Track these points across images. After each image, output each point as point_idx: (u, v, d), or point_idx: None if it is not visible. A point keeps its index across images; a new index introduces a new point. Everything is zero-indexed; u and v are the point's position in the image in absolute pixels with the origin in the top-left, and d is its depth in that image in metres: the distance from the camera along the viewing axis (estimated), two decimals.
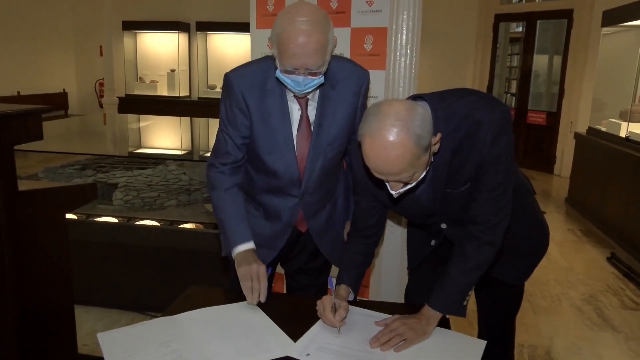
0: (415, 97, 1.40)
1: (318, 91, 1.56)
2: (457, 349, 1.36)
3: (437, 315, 1.43)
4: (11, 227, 1.49)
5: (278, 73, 1.45)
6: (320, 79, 1.46)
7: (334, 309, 1.43)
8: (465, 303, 1.46)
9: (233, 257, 1.62)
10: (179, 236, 2.98)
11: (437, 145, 1.31)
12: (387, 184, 1.31)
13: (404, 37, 2.04)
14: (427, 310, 1.44)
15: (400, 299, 2.18)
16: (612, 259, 4.12)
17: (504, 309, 1.79)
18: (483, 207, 1.40)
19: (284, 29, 1.38)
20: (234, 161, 1.63)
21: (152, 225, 3.03)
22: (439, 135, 1.29)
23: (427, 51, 7.20)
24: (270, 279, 1.89)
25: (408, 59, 2.05)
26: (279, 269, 2.00)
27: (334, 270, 1.71)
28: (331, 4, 2.34)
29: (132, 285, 3.02)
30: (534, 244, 1.69)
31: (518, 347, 2.80)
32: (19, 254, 1.54)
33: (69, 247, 1.78)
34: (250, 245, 1.62)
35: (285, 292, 2.09)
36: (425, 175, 1.32)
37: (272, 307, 1.54)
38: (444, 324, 1.47)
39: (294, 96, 1.54)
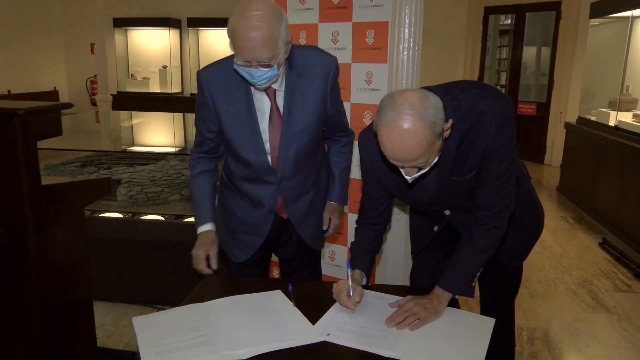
0: (426, 89, 1.46)
1: (284, 81, 1.63)
2: (468, 327, 1.44)
3: (448, 296, 1.51)
4: (36, 221, 1.53)
5: (235, 66, 1.52)
6: (273, 72, 1.52)
7: (349, 293, 1.50)
8: (473, 284, 1.54)
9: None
10: (183, 230, 3.02)
11: (449, 132, 1.38)
12: (402, 170, 1.37)
13: (407, 31, 2.10)
14: (437, 290, 1.52)
15: (405, 282, 2.26)
16: (604, 244, 4.24)
17: (505, 290, 1.88)
18: (490, 193, 1.48)
19: (235, 24, 1.45)
20: (207, 151, 1.79)
21: (157, 220, 3.08)
22: (450, 122, 1.36)
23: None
24: (265, 267, 2.02)
25: (411, 52, 2.12)
26: (274, 257, 2.09)
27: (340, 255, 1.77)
28: None
29: (139, 279, 3.07)
30: (531, 226, 1.78)
31: (517, 329, 2.89)
32: (43, 248, 1.58)
33: (86, 241, 1.83)
34: (206, 227, 1.79)
35: (279, 277, 2.16)
36: (437, 160, 1.39)
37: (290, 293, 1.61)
38: (453, 303, 1.55)
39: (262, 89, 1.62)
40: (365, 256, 1.68)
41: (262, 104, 1.66)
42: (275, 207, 1.80)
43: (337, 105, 1.78)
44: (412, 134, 1.26)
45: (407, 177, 1.38)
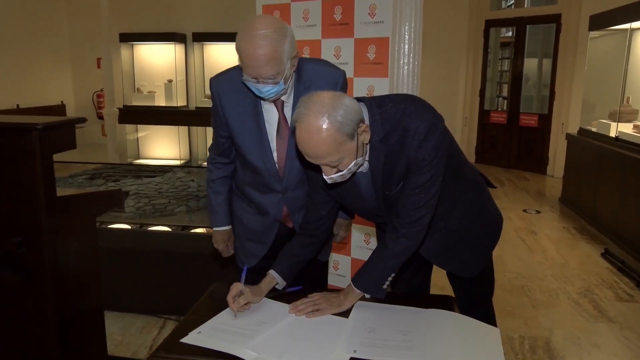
0: (358, 99, 1.50)
1: (293, 93, 1.69)
2: (479, 336, 1.45)
3: (357, 294, 1.58)
4: (51, 231, 1.59)
5: (244, 79, 1.58)
6: (279, 86, 1.57)
7: (239, 295, 1.57)
8: (384, 287, 1.58)
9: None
10: (190, 240, 3.08)
11: (367, 135, 1.43)
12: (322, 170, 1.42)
13: (406, 46, 2.17)
14: (349, 287, 1.59)
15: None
16: (606, 254, 4.26)
17: (479, 292, 1.90)
18: (404, 202, 1.52)
19: (241, 42, 1.51)
20: (222, 153, 1.87)
21: (164, 231, 3.14)
22: (365, 125, 1.41)
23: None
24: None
25: (411, 67, 2.19)
26: None
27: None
28: (335, 16, 2.48)
29: (146, 289, 3.12)
30: (482, 237, 1.79)
31: (519, 338, 2.93)
32: (57, 257, 1.64)
33: (98, 251, 1.89)
34: (223, 228, 1.96)
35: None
36: (357, 167, 1.45)
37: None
38: (449, 306, 1.59)
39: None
40: (287, 260, 1.72)
41: (270, 115, 1.72)
42: (281, 216, 1.85)
43: None
44: (318, 131, 1.32)
45: (325, 177, 1.43)
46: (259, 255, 1.91)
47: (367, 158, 1.51)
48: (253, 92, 1.62)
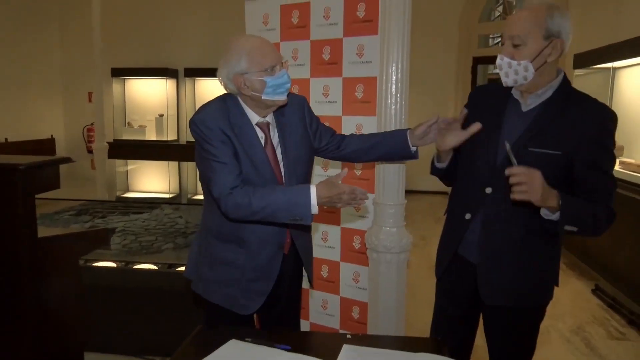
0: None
1: (274, 117, 1.79)
2: None
3: (554, 198, 1.52)
4: (31, 272, 1.56)
5: (268, 88, 1.65)
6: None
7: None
8: (565, 227, 1.59)
9: (317, 204, 1.60)
10: (177, 279, 3.02)
11: (554, 54, 1.55)
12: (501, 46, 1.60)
13: (394, 86, 2.20)
14: (555, 191, 1.53)
15: (398, 331, 2.27)
16: (597, 291, 4.24)
17: (516, 349, 1.85)
18: (601, 184, 1.62)
19: (248, 44, 1.66)
20: (235, 179, 1.65)
21: (150, 269, 3.09)
22: (560, 42, 1.53)
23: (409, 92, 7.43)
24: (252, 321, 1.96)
25: (398, 106, 2.21)
26: None
27: None
28: (323, 55, 2.51)
29: (131, 329, 3.04)
30: (539, 288, 1.80)
31: None
32: (38, 298, 1.60)
33: (82, 291, 1.85)
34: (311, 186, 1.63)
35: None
36: (523, 78, 1.55)
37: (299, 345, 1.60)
38: (438, 350, 1.56)
39: (256, 124, 1.74)
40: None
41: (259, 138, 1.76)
42: (284, 241, 1.82)
43: (316, 121, 1.94)
44: (531, 7, 1.54)
45: (499, 56, 1.57)
46: (266, 292, 1.81)
47: (540, 90, 1.60)
48: (278, 98, 1.69)
